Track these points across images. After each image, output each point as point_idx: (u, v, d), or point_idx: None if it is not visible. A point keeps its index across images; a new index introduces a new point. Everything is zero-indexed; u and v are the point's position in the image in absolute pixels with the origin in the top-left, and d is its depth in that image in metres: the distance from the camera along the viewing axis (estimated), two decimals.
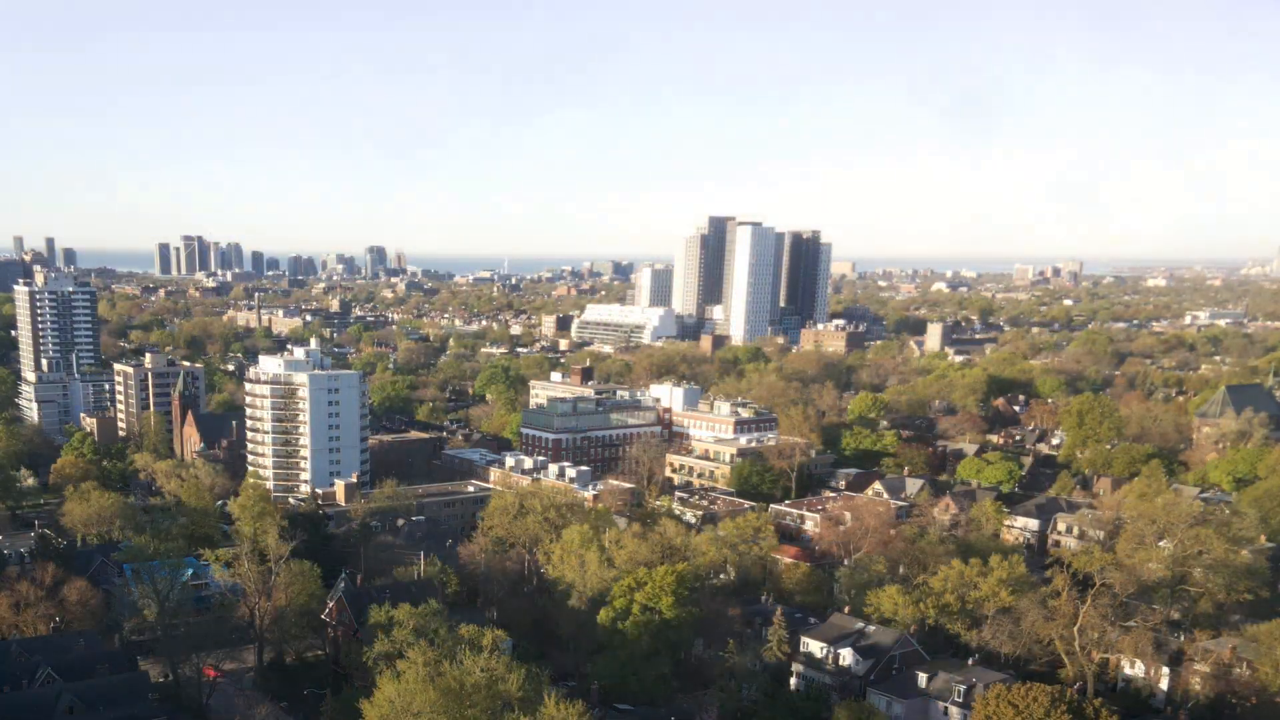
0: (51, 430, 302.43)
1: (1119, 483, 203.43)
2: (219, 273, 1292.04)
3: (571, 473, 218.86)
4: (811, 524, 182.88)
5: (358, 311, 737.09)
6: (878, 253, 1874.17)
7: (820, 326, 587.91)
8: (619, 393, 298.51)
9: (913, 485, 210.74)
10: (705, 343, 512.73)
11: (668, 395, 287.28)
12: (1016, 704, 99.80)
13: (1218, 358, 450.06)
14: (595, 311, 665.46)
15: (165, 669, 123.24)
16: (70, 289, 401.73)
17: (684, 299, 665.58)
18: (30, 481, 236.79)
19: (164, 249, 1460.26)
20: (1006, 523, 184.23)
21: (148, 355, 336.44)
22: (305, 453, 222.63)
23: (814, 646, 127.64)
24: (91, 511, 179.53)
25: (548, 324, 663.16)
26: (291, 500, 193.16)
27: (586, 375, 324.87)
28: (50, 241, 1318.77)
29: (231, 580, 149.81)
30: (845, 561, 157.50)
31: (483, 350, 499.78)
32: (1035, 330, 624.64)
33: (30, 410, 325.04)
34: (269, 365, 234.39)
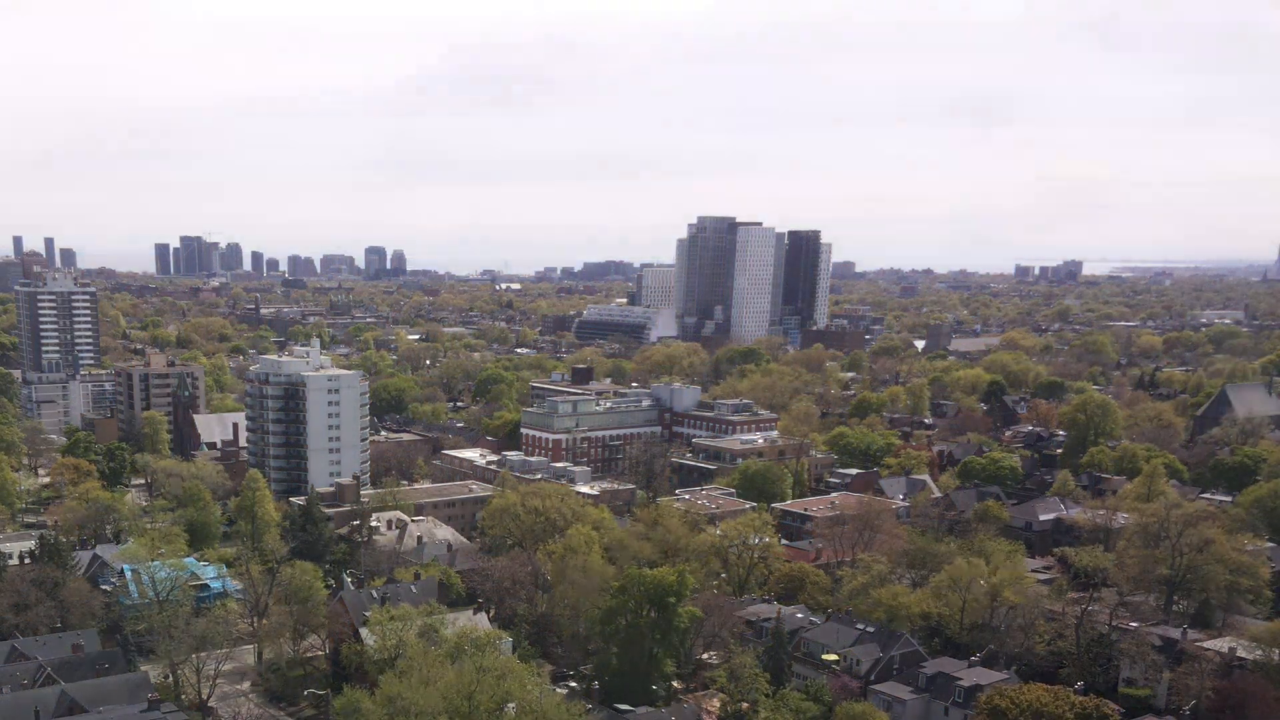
0: (52, 430, 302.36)
1: (1119, 483, 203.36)
2: (219, 273, 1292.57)
3: (572, 472, 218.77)
4: (812, 524, 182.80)
5: (357, 312, 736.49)
6: (877, 253, 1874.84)
7: (820, 326, 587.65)
8: (619, 393, 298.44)
9: (913, 485, 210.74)
10: (705, 343, 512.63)
11: (668, 395, 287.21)
12: (1017, 704, 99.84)
13: (1218, 357, 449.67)
14: (595, 311, 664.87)
15: (165, 669, 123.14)
16: (70, 289, 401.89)
17: (684, 299, 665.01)
18: (30, 482, 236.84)
19: (163, 249, 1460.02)
20: (1007, 523, 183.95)
21: (148, 355, 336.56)
22: (305, 453, 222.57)
23: (815, 647, 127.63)
24: (91, 512, 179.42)
25: (547, 324, 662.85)
26: (291, 500, 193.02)
27: (586, 375, 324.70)
28: (50, 241, 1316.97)
29: (232, 580, 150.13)
30: (846, 561, 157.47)
31: (483, 350, 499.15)
32: (1036, 330, 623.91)
33: (30, 410, 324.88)
34: (269, 365, 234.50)
